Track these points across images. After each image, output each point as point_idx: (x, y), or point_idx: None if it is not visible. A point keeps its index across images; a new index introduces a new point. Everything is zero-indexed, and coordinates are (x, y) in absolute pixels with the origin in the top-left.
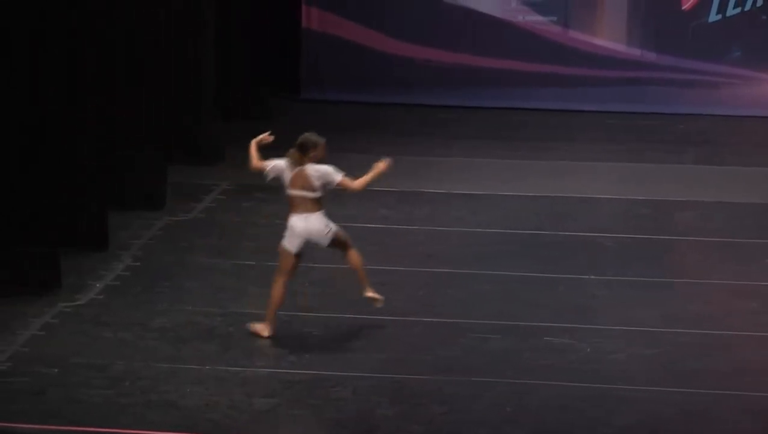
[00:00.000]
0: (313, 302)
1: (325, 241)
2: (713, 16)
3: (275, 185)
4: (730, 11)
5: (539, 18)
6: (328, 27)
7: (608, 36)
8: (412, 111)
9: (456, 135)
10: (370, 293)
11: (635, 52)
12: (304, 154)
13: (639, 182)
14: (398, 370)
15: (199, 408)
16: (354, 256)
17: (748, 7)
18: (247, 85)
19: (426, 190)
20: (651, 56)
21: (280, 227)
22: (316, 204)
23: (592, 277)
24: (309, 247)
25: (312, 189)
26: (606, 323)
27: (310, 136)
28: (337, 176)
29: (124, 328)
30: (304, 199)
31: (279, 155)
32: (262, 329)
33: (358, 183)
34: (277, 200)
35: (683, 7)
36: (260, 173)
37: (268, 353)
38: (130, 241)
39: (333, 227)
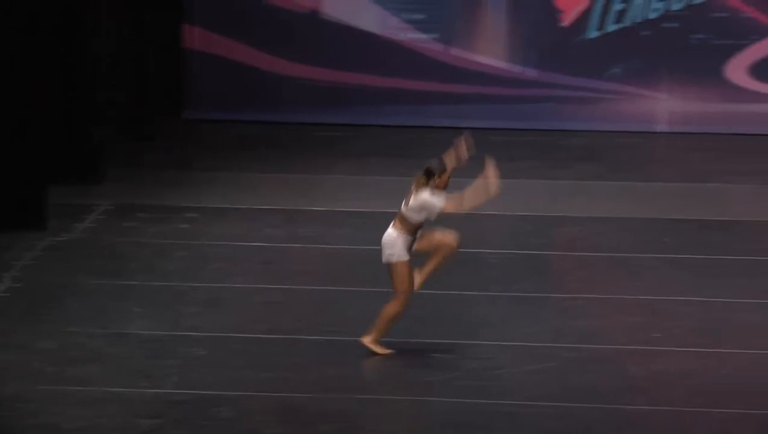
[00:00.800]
0: (197, 321)
1: (383, 259)
2: (593, 33)
3: (158, 205)
4: (610, 27)
5: (420, 36)
6: (210, 46)
7: (490, 53)
8: (296, 130)
9: (340, 153)
10: (368, 343)
11: (517, 69)
12: (428, 179)
13: (524, 198)
14: (285, 389)
15: (83, 431)
16: (388, 306)
17: (627, 23)
18: (129, 105)
19: (311, 208)
20: (532, 73)
21: (162, 247)
22: (405, 224)
23: (478, 293)
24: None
25: (408, 208)
26: (492, 339)
27: (435, 163)
28: (437, 204)
29: (6, 350)
30: (400, 214)
31: (162, 175)
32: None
33: (464, 203)
34: (158, 220)
35: (563, 24)
36: None
37: (153, 373)
38: (12, 262)
39: (395, 257)
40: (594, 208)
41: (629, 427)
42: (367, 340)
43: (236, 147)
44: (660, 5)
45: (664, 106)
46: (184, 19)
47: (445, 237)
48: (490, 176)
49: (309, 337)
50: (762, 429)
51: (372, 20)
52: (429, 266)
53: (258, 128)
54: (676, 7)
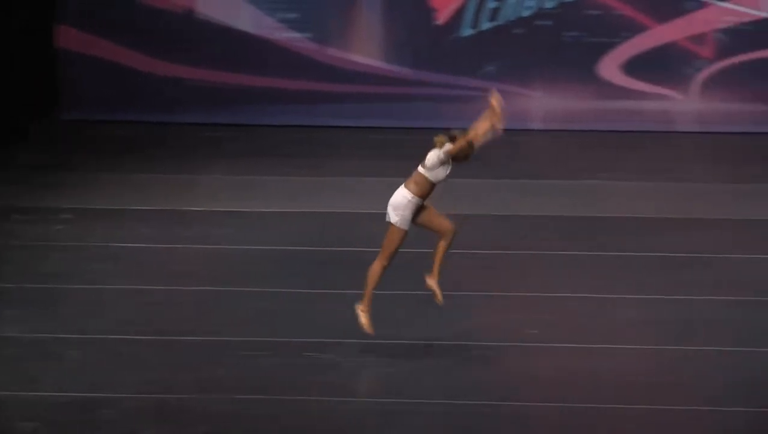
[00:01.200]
0: (76, 323)
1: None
2: (467, 31)
3: (34, 206)
4: (484, 25)
5: (295, 35)
6: (85, 47)
7: (365, 52)
8: (176, 130)
9: (221, 153)
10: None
11: (392, 68)
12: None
13: None
14: (165, 390)
15: None
16: (371, 266)
17: (501, 21)
18: (2, 106)
19: (191, 208)
20: (407, 72)
21: (39, 249)
22: (419, 186)
23: (356, 292)
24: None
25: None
26: (371, 338)
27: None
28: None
29: None
30: (416, 175)
31: (38, 176)
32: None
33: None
34: (35, 222)
35: (437, 22)
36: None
37: (30, 377)
38: None
39: (399, 222)
40: (471, 206)
41: (518, 425)
42: (361, 308)
43: (115, 148)
44: (533, 3)
45: (538, 104)
46: (57, 20)
47: (444, 223)
48: (494, 107)
49: (189, 338)
50: (640, 423)
51: (247, 20)
52: (437, 259)
53: (138, 129)
54: (549, 5)
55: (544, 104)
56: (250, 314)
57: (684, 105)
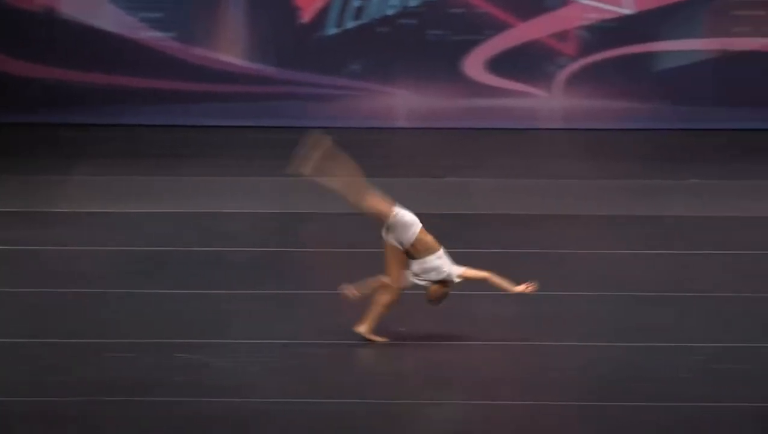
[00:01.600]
0: None
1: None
2: (332, 29)
3: None
4: (348, 24)
5: (159, 34)
6: None
7: (229, 51)
8: (37, 130)
9: (84, 153)
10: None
11: (257, 67)
12: None
13: (269, 196)
14: (36, 393)
15: None
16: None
17: (365, 20)
18: None
19: (55, 210)
20: (272, 71)
21: None
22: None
23: (224, 292)
24: None
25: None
26: (238, 338)
27: None
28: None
29: None
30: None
31: None
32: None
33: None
34: None
35: (302, 21)
36: None
37: None
38: None
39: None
40: (337, 204)
41: (382, 421)
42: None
43: None
44: (397, 2)
45: (403, 102)
46: None
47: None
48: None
49: (56, 340)
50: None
51: (110, 19)
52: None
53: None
54: (413, 3)
55: (409, 102)
56: (118, 315)
57: (548, 102)
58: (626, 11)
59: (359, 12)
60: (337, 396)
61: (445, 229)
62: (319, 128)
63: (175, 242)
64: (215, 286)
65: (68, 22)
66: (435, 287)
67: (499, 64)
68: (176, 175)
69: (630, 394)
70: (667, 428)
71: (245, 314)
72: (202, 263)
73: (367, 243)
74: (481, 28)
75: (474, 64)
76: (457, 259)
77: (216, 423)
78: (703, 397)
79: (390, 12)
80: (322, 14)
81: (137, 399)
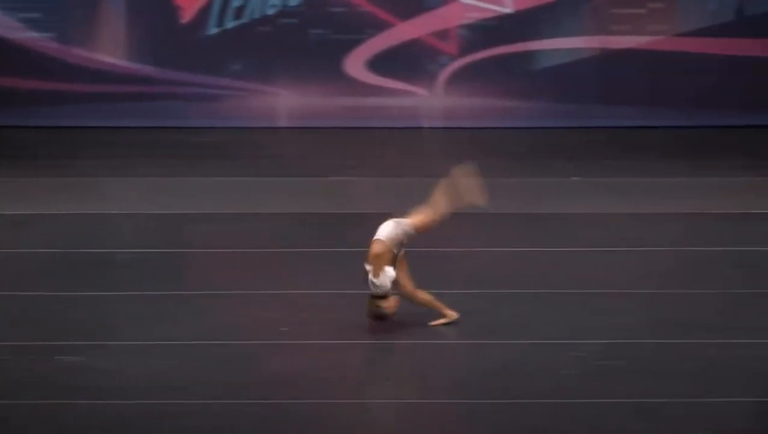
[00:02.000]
0: None
1: None
2: (212, 29)
3: None
4: (229, 24)
5: (37, 35)
6: None
7: (110, 51)
8: None
9: None
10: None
11: (138, 67)
12: None
13: (153, 198)
14: None
15: None
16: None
17: (246, 19)
18: None
19: None
20: (153, 71)
21: None
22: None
23: (111, 294)
24: None
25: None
26: (125, 340)
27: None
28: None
29: None
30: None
31: None
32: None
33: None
34: None
35: (182, 21)
36: None
37: None
38: None
39: None
40: (222, 204)
41: (269, 422)
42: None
43: None
44: (277, 2)
45: (285, 102)
46: None
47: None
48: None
49: None
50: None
51: None
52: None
53: None
54: (293, 3)
55: (291, 102)
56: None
57: (429, 101)
58: (507, 10)
59: (240, 12)
60: (224, 397)
61: (326, 228)
62: (200, 128)
63: (58, 244)
64: (100, 288)
65: None
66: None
67: (380, 63)
68: (58, 176)
69: (512, 392)
70: (551, 425)
71: (130, 316)
72: (86, 264)
73: (252, 243)
74: (362, 27)
75: (355, 64)
76: (341, 258)
77: (100, 426)
78: (587, 394)
79: (271, 11)
80: (202, 14)
81: (15, 402)
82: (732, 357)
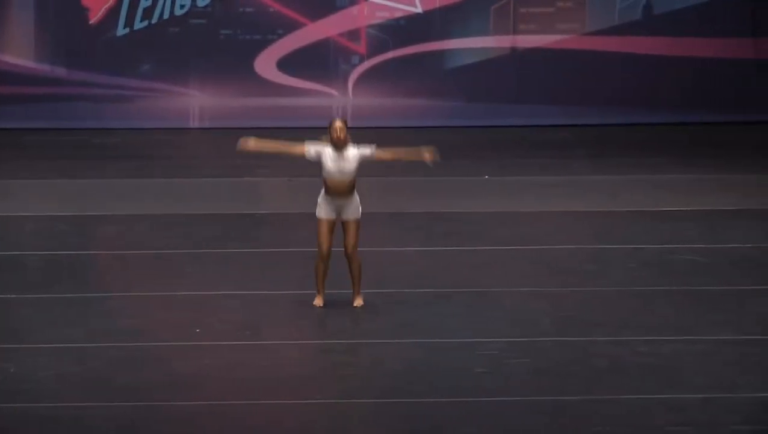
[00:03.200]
0: None
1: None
2: (121, 30)
3: None
4: (138, 25)
5: None
6: None
7: (16, 52)
8: None
9: None
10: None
11: (45, 68)
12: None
13: (60, 199)
14: None
15: None
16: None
17: (155, 20)
18: None
19: None
20: (61, 72)
21: None
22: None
23: (15, 296)
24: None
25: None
26: (32, 342)
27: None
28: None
29: None
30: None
31: None
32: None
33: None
34: None
35: (90, 22)
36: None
37: None
38: None
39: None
40: (129, 206)
41: (177, 423)
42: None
43: None
44: (186, 2)
45: (195, 102)
46: None
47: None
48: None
49: None
50: (315, 417)
51: None
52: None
53: None
54: (202, 3)
55: (201, 102)
56: None
57: (339, 101)
58: (417, 10)
59: (148, 13)
60: (132, 398)
61: (234, 227)
62: (110, 129)
63: None
64: (7, 290)
65: None
66: None
67: (290, 63)
68: None
69: (423, 390)
70: (463, 421)
71: (38, 318)
72: None
73: (159, 245)
74: (273, 28)
75: (266, 64)
76: (246, 258)
77: (6, 429)
78: (497, 391)
79: (180, 12)
80: (111, 15)
81: None
82: (638, 354)
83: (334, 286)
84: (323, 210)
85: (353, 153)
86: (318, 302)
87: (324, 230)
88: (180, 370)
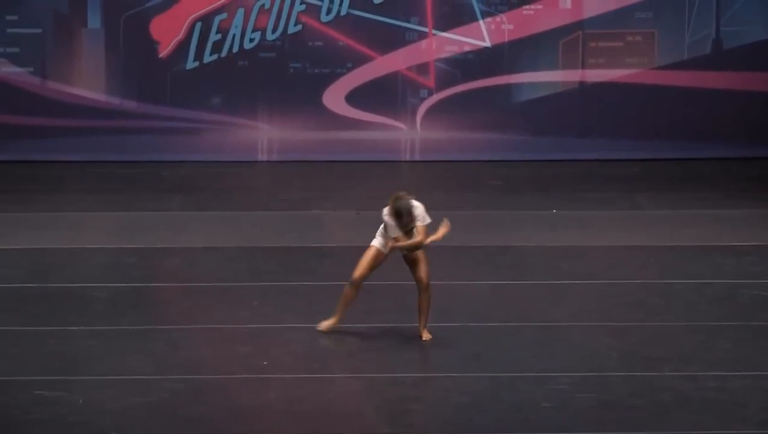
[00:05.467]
0: None
1: None
2: (190, 63)
3: None
4: (207, 58)
5: (15, 69)
6: None
7: (88, 86)
8: None
9: None
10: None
11: (116, 102)
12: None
13: (127, 231)
14: None
15: None
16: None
17: (224, 53)
18: None
19: None
20: (131, 105)
21: None
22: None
23: (83, 328)
24: None
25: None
26: (98, 374)
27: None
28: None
29: None
30: None
31: None
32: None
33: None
34: None
35: (160, 55)
36: None
37: None
38: None
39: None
40: (197, 238)
41: None
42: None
43: None
44: (256, 35)
45: (264, 136)
46: None
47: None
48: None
49: None
50: None
51: None
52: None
53: None
54: (271, 37)
55: (269, 135)
56: None
57: (407, 134)
58: (485, 44)
59: (218, 46)
60: (197, 431)
61: (301, 261)
62: (178, 162)
63: (32, 279)
64: (74, 322)
65: None
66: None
67: (358, 96)
68: (34, 211)
69: (489, 424)
70: None
71: (104, 350)
72: (59, 299)
73: (224, 277)
74: (342, 61)
75: (334, 97)
76: (316, 291)
77: None
78: (563, 426)
79: (249, 46)
80: (180, 48)
81: None
82: (704, 388)
83: (398, 320)
84: (378, 241)
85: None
86: (326, 324)
87: (369, 255)
88: (245, 403)
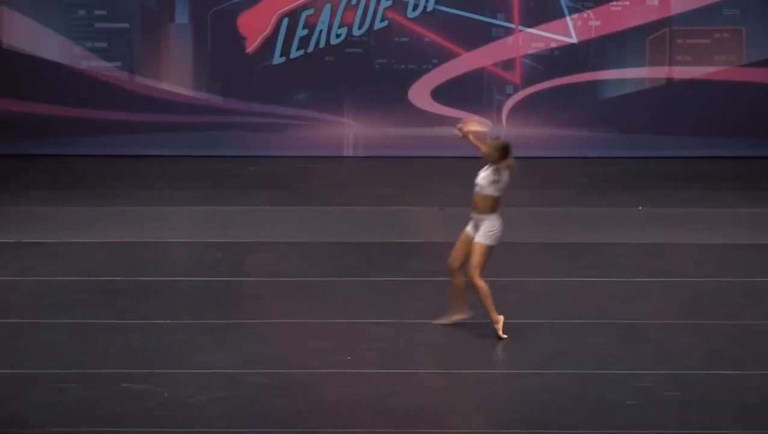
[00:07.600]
0: None
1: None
2: (277, 59)
3: None
4: (294, 54)
5: (104, 64)
6: None
7: (175, 81)
8: None
9: (26, 184)
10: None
11: (202, 97)
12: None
13: (213, 226)
14: None
15: None
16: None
17: (311, 49)
18: None
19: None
20: (218, 100)
21: None
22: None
23: (169, 322)
24: None
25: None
26: (184, 368)
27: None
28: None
29: None
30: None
31: None
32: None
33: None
34: None
35: (247, 51)
36: None
37: None
38: None
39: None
40: (282, 233)
41: None
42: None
43: None
44: (342, 31)
45: (350, 131)
46: None
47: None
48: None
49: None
50: None
51: (55, 50)
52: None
53: None
54: (358, 33)
55: (355, 131)
56: (56, 345)
57: (493, 130)
58: (571, 40)
59: (304, 42)
60: (280, 425)
61: (385, 256)
62: (264, 157)
63: (119, 272)
64: (161, 315)
65: (10, 52)
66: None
67: (443, 92)
68: (121, 205)
69: (572, 422)
70: None
71: (190, 344)
72: (146, 293)
73: (309, 272)
74: (427, 57)
75: (420, 93)
76: (400, 287)
77: None
78: (648, 424)
79: (335, 41)
80: (267, 44)
81: (79, 430)
82: None
83: (483, 316)
84: (469, 226)
85: (486, 172)
86: (440, 321)
87: (458, 240)
88: (329, 398)
